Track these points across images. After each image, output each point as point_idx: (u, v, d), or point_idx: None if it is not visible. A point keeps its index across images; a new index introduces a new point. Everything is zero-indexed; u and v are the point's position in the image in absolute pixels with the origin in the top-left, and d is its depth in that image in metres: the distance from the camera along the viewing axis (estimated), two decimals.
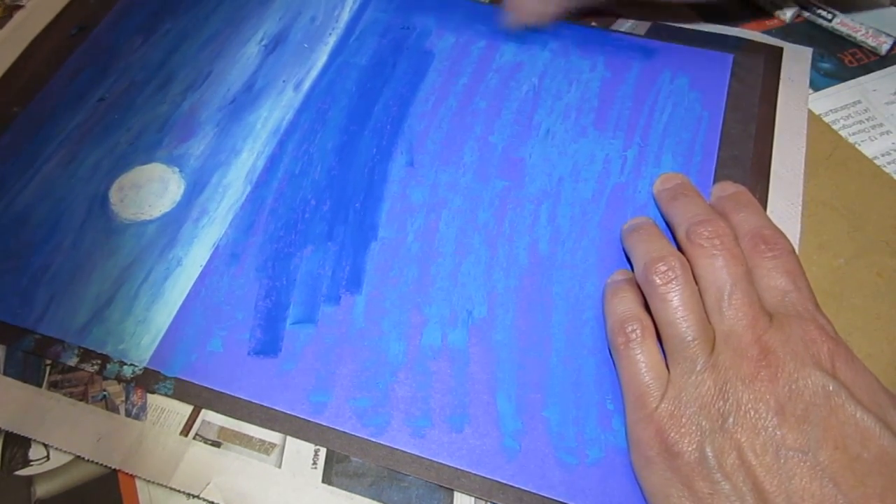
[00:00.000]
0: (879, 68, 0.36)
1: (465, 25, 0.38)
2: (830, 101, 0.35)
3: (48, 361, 0.29)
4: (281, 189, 0.33)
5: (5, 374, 0.28)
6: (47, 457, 0.27)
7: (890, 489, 0.21)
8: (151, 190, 0.33)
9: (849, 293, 0.29)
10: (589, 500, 0.25)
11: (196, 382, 0.28)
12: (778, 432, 0.22)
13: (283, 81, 0.37)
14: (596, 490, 0.25)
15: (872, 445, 0.21)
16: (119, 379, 0.28)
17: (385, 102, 0.35)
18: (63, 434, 0.27)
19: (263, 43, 0.38)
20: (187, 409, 0.27)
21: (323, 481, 0.26)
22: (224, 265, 0.31)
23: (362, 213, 0.32)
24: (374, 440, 0.26)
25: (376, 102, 0.35)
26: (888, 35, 0.36)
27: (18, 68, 0.38)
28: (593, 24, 0.38)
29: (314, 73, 0.37)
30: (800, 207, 0.31)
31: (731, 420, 0.23)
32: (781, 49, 0.36)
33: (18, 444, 0.27)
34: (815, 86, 0.35)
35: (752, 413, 0.22)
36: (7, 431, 0.27)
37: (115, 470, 0.26)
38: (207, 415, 0.27)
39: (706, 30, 0.38)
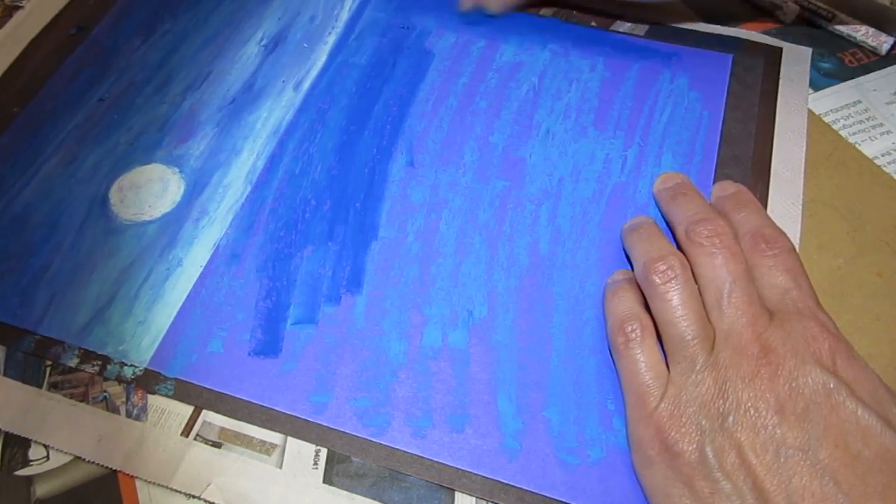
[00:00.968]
0: (879, 68, 0.36)
1: (465, 25, 0.38)
2: (830, 101, 0.35)
3: (48, 362, 0.29)
4: (281, 189, 0.33)
5: (5, 375, 0.28)
6: (47, 457, 0.27)
7: (891, 487, 0.21)
8: (151, 190, 0.33)
9: (849, 293, 0.29)
10: (590, 499, 0.25)
11: (196, 383, 0.28)
12: (778, 431, 0.22)
13: (283, 81, 0.37)
14: (597, 490, 0.25)
15: (873, 443, 0.21)
16: (119, 380, 0.28)
17: (385, 102, 0.35)
18: (64, 435, 0.27)
19: (263, 43, 0.38)
20: (188, 409, 0.27)
21: (324, 482, 0.26)
22: (224, 265, 0.31)
23: (362, 213, 0.32)
24: (374, 440, 0.26)
25: (376, 102, 0.35)
26: (888, 35, 0.36)
27: (18, 68, 0.38)
28: (593, 24, 0.38)
29: (314, 73, 0.37)
30: (800, 207, 0.31)
31: (731, 419, 0.23)
32: (781, 49, 0.36)
33: (18, 444, 0.27)
34: (815, 86, 0.35)
35: (752, 412, 0.22)
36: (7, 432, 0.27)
37: (114, 470, 0.26)
38: (208, 415, 0.27)
39: (706, 30, 0.38)
